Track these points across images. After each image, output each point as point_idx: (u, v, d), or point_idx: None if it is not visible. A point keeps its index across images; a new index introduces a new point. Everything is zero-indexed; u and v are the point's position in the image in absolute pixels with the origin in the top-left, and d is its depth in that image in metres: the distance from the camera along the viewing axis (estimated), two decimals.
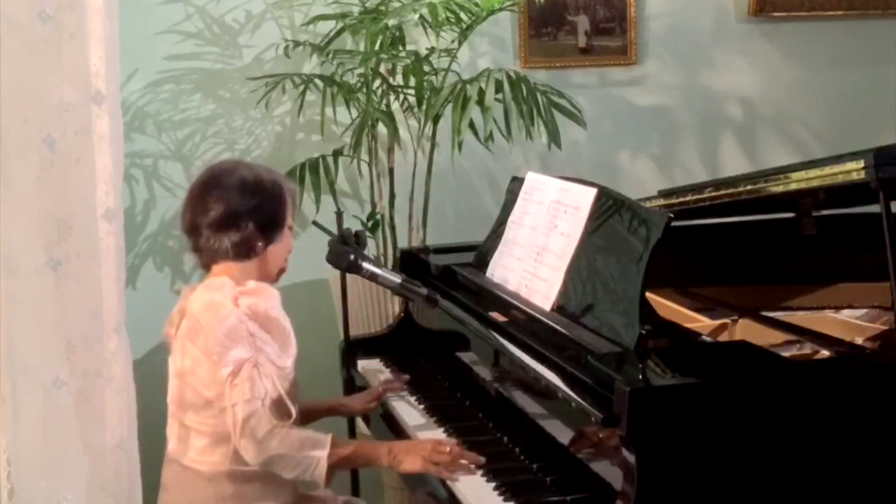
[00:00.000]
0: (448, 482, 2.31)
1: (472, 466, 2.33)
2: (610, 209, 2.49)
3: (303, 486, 2.58)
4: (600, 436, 2.04)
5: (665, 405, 1.95)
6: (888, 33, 4.36)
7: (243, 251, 2.45)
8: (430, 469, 2.34)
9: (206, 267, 2.50)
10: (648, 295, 2.42)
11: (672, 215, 2.29)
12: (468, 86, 3.48)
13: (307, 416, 2.70)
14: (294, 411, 2.36)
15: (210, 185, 2.46)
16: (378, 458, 2.42)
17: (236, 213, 2.42)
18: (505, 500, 2.18)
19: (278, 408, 2.34)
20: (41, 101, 3.00)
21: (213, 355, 2.30)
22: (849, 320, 2.71)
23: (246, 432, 2.29)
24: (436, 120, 3.66)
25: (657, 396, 1.97)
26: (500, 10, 3.65)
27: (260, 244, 2.45)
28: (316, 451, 2.32)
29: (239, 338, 2.31)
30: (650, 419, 1.92)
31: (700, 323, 2.68)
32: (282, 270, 2.56)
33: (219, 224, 2.43)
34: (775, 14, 4.29)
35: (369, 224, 3.69)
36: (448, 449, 2.35)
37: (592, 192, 2.55)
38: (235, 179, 2.44)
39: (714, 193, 2.75)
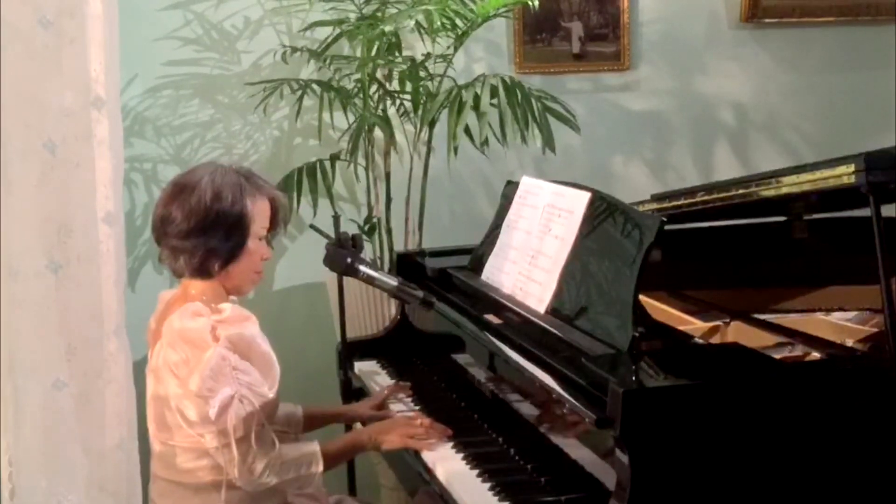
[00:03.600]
0: (447, 488, 2.33)
1: (443, 437, 2.50)
2: (603, 213, 2.51)
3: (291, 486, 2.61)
4: (594, 436, 2.07)
5: (658, 406, 1.97)
6: (878, 39, 4.38)
7: (199, 272, 2.41)
8: (409, 443, 2.50)
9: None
10: (641, 298, 2.45)
11: (665, 219, 2.30)
12: (464, 91, 3.50)
13: (313, 423, 2.73)
14: (276, 441, 2.37)
15: (174, 196, 2.39)
16: (362, 444, 2.55)
17: (188, 234, 2.37)
18: (500, 500, 2.20)
19: (263, 438, 2.34)
20: (42, 107, 3.03)
21: (198, 395, 2.27)
22: (839, 322, 2.72)
23: (243, 471, 2.31)
24: (432, 125, 3.68)
25: (650, 398, 1.99)
26: (496, 16, 3.67)
27: (216, 266, 2.40)
28: (311, 468, 2.41)
29: (222, 375, 2.28)
30: (643, 420, 1.94)
31: (692, 325, 2.70)
32: (257, 275, 2.48)
33: (174, 244, 2.40)
34: (767, 20, 4.31)
35: (366, 228, 3.70)
36: (419, 422, 2.53)
37: (586, 195, 2.57)
38: (193, 199, 2.36)
39: (706, 197, 2.75)
